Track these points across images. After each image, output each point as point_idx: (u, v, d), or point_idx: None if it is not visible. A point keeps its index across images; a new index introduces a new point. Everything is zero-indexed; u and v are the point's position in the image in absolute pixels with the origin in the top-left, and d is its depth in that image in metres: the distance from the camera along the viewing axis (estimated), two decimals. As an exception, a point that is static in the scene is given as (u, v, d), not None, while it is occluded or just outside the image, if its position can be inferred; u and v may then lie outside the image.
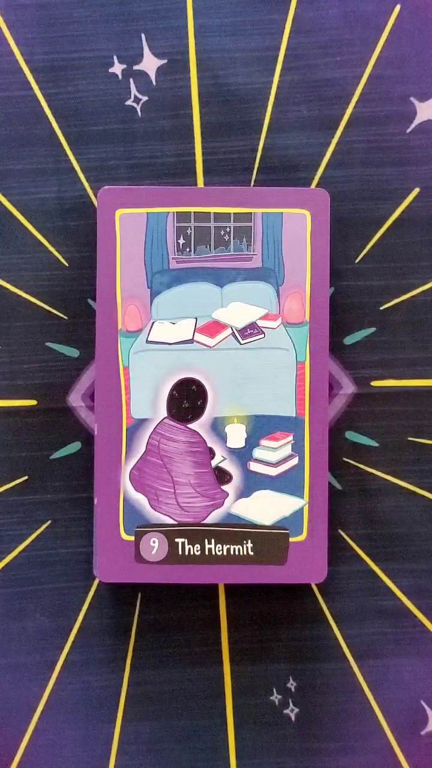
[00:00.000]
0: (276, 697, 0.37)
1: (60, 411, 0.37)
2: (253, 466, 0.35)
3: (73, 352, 0.37)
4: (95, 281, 0.35)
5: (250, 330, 0.35)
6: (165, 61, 0.37)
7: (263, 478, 0.35)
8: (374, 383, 0.37)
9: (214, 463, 0.35)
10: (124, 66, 0.37)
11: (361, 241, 0.37)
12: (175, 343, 0.35)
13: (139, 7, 0.36)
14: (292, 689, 0.37)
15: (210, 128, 0.37)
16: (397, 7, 0.37)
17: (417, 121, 0.37)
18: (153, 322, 0.35)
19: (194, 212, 0.35)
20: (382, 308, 0.37)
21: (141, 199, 0.35)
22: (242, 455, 0.35)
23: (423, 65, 0.37)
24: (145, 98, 0.37)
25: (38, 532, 0.37)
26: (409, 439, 0.37)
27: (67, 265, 0.37)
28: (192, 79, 0.37)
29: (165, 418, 0.35)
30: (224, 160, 0.37)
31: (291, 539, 0.35)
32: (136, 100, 0.37)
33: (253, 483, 0.35)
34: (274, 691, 0.37)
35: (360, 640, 0.37)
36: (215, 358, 0.35)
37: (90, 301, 0.37)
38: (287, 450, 0.35)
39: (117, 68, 0.37)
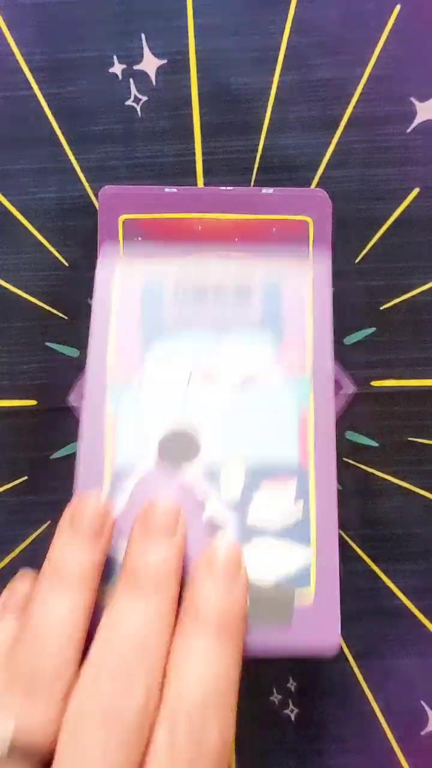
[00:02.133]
0: (276, 697, 0.37)
1: (60, 411, 0.37)
2: (251, 519, 0.30)
3: (73, 352, 0.37)
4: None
5: (249, 379, 0.33)
6: (165, 61, 0.37)
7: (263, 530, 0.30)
8: (374, 383, 0.37)
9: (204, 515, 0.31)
10: (124, 66, 0.37)
11: (361, 241, 0.37)
12: (169, 391, 0.33)
13: (139, 7, 0.36)
14: (292, 689, 0.37)
15: (210, 128, 0.37)
16: (397, 7, 0.37)
17: (417, 121, 0.37)
18: (146, 368, 0.33)
19: (193, 284, 0.34)
20: (382, 308, 0.37)
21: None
22: (239, 506, 0.30)
23: (423, 65, 0.37)
24: (145, 98, 0.37)
25: (38, 532, 0.37)
26: (409, 439, 0.37)
27: (67, 265, 0.37)
28: (192, 79, 0.37)
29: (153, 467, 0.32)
30: (224, 160, 0.37)
31: (297, 602, 0.29)
32: (136, 100, 0.37)
33: (251, 533, 0.30)
34: (274, 691, 0.37)
35: (360, 640, 0.37)
36: (212, 405, 0.32)
37: (90, 301, 0.37)
38: (289, 503, 0.31)
39: (117, 68, 0.37)
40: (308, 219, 0.35)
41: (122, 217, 0.35)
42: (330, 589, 0.28)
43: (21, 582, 0.30)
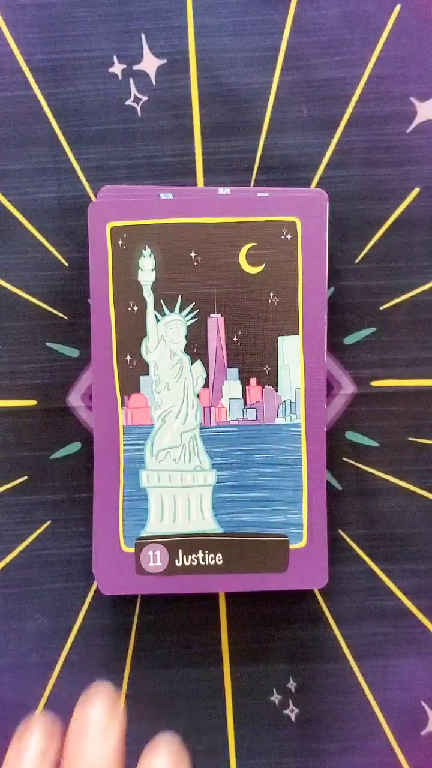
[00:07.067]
0: (276, 698, 0.37)
1: (60, 411, 0.37)
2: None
3: (73, 352, 0.37)
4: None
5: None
6: (165, 61, 0.37)
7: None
8: (374, 383, 0.37)
9: None
10: (124, 66, 0.37)
11: (361, 241, 0.37)
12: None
13: (139, 7, 0.36)
14: (292, 689, 0.37)
15: (210, 128, 0.37)
16: (397, 7, 0.37)
17: (417, 121, 0.37)
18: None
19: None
20: (382, 308, 0.37)
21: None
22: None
23: (423, 65, 0.37)
24: (145, 98, 0.37)
25: (38, 532, 0.37)
26: (409, 439, 0.37)
27: (67, 265, 0.37)
28: (192, 79, 0.37)
29: None
30: (224, 160, 0.37)
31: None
32: (136, 100, 0.37)
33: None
34: (274, 691, 0.37)
35: (360, 640, 0.37)
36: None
37: (90, 301, 0.37)
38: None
39: (117, 68, 0.37)
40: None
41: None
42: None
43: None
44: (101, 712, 0.28)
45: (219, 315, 0.35)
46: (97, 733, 0.28)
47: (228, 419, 0.35)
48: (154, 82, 0.37)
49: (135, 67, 0.37)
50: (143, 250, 0.35)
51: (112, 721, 0.28)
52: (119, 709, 0.28)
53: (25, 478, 0.37)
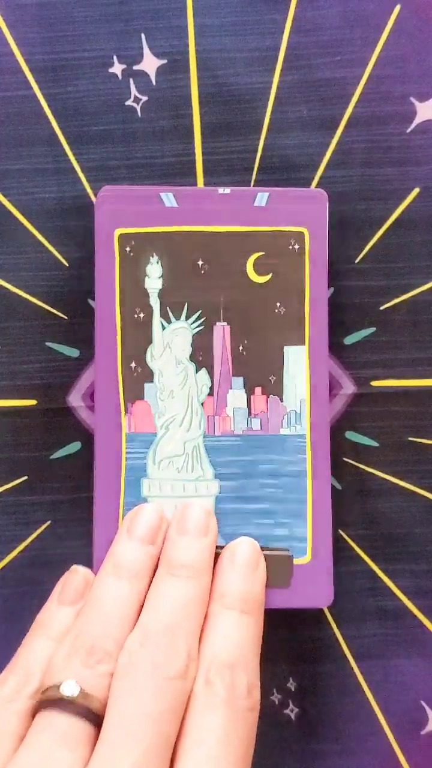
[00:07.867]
0: (276, 697, 0.37)
1: (60, 411, 0.37)
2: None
3: (73, 352, 0.37)
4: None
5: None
6: (165, 61, 0.37)
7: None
8: (374, 383, 0.37)
9: None
10: (124, 66, 0.37)
11: (361, 241, 0.37)
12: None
13: (139, 7, 0.37)
14: (292, 689, 0.37)
15: (210, 128, 0.37)
16: (397, 7, 0.37)
17: (417, 121, 0.37)
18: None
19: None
20: (382, 308, 0.37)
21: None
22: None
23: (423, 65, 0.37)
24: (145, 98, 0.37)
25: (38, 532, 0.37)
26: (409, 439, 0.37)
27: (67, 265, 0.37)
28: (192, 79, 0.37)
29: None
30: (224, 160, 0.37)
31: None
32: (136, 100, 0.37)
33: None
34: (274, 691, 0.37)
35: (360, 640, 0.37)
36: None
37: (90, 301, 0.37)
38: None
39: (117, 68, 0.37)
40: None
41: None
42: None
43: (73, 575, 0.33)
44: (199, 518, 0.33)
45: (225, 323, 0.35)
46: (197, 532, 0.32)
47: (232, 429, 0.35)
48: (154, 82, 0.37)
49: (135, 67, 0.37)
50: (150, 258, 0.35)
51: (209, 526, 0.33)
52: (214, 519, 0.33)
53: (25, 478, 0.37)
